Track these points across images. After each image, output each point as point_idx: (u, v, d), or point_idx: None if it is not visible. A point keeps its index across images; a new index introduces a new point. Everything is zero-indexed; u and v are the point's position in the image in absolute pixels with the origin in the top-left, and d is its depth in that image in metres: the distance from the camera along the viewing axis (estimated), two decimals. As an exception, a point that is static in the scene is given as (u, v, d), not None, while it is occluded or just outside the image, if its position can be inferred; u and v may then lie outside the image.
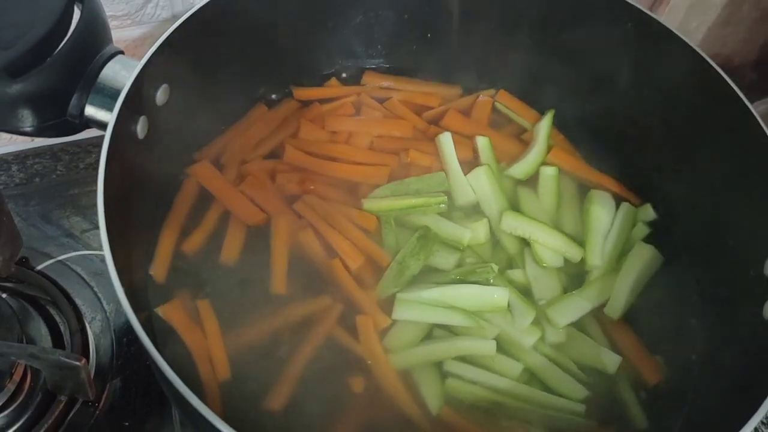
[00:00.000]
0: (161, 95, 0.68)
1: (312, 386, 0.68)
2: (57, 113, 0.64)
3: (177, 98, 0.70)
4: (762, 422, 0.85)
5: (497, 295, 0.72)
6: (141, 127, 0.66)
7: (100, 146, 0.59)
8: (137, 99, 0.64)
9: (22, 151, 0.97)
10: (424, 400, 0.68)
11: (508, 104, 0.91)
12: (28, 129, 0.64)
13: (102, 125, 0.63)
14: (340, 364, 0.69)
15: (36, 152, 0.97)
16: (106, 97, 0.64)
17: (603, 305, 0.75)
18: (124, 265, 0.57)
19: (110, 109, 0.62)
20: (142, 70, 0.63)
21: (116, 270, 0.54)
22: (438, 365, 0.71)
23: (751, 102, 0.71)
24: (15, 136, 0.96)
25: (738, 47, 1.23)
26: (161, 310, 0.70)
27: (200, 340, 0.69)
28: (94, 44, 0.65)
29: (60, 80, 0.63)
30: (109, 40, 0.68)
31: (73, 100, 0.64)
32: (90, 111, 0.65)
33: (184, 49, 0.70)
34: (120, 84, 0.63)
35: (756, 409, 0.53)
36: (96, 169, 0.58)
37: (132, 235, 0.67)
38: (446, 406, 0.68)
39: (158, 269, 0.72)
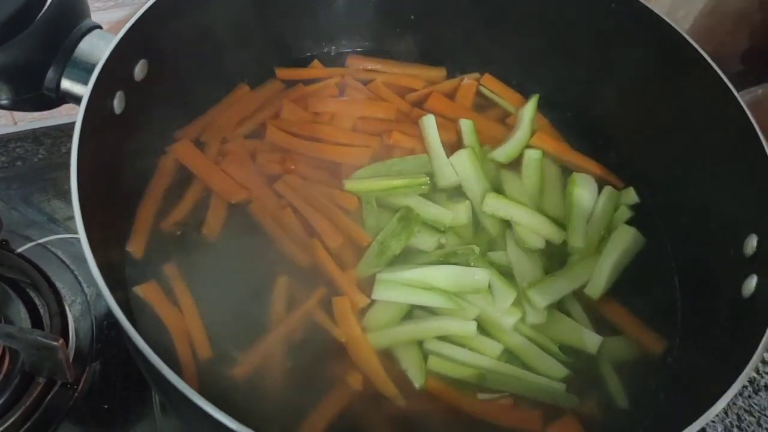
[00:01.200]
0: (139, 70, 0.68)
1: (291, 364, 0.67)
2: (33, 86, 0.64)
3: (156, 74, 0.69)
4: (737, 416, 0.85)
5: (478, 276, 0.72)
6: (118, 102, 0.65)
7: (83, 130, 0.58)
8: (114, 73, 0.63)
9: (4, 134, 0.97)
10: (407, 375, 0.68)
11: (493, 88, 0.91)
12: (4, 102, 0.64)
13: (78, 99, 0.63)
14: (319, 342, 0.69)
15: (18, 136, 0.97)
16: (83, 70, 0.64)
17: (584, 286, 0.75)
18: (100, 240, 0.56)
19: (86, 82, 0.61)
20: (118, 43, 0.63)
21: (90, 245, 0.54)
22: (419, 343, 0.70)
23: (738, 91, 0.71)
24: (-3, 120, 0.95)
25: (725, 37, 1.23)
26: (139, 289, 0.69)
27: (178, 318, 0.68)
28: (72, 17, 0.65)
29: (36, 53, 0.63)
30: (87, 14, 0.67)
31: (49, 74, 0.64)
32: (66, 84, 0.64)
33: (163, 25, 0.69)
34: (96, 58, 0.63)
35: (733, 381, 0.53)
36: (79, 153, 0.57)
37: (108, 211, 0.66)
38: (430, 379, 0.68)
39: (136, 246, 0.72)
